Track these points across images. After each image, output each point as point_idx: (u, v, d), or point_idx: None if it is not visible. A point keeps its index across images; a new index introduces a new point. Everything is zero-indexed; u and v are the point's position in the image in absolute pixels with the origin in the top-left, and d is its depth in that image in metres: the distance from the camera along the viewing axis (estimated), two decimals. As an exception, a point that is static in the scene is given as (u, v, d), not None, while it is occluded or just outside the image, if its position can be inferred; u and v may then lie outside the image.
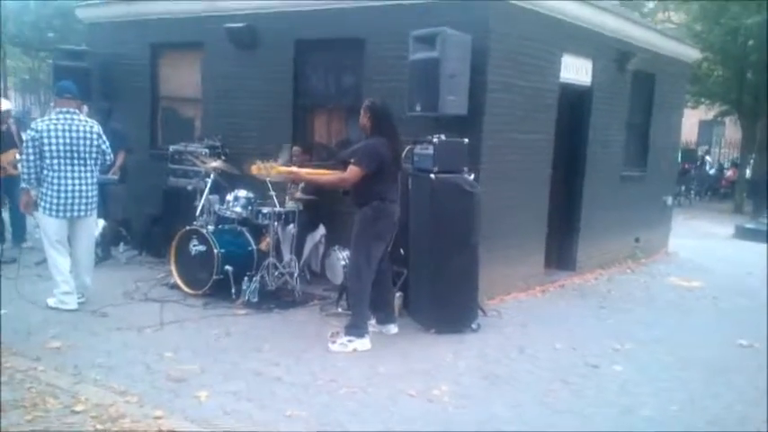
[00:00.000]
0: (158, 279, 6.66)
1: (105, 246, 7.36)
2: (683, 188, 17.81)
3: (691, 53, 10.62)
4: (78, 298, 5.72)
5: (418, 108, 5.89)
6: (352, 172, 5.04)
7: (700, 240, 11.93)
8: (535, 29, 6.75)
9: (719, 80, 18.24)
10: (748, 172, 18.33)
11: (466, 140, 5.70)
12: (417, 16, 6.25)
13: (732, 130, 24.02)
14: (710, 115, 22.09)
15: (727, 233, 13.10)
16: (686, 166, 18.99)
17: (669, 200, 10.49)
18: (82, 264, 5.81)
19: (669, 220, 10.63)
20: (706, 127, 26.08)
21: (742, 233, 12.81)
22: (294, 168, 5.62)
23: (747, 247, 11.57)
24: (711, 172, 21.70)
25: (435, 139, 5.53)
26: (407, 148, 5.70)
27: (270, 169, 5.50)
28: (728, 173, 20.96)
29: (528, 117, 6.87)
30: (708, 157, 23.03)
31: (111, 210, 7.56)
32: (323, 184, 5.68)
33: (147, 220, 7.95)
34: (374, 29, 6.66)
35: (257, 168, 5.53)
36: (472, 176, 5.69)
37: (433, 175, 5.47)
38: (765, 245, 11.49)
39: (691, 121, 20.47)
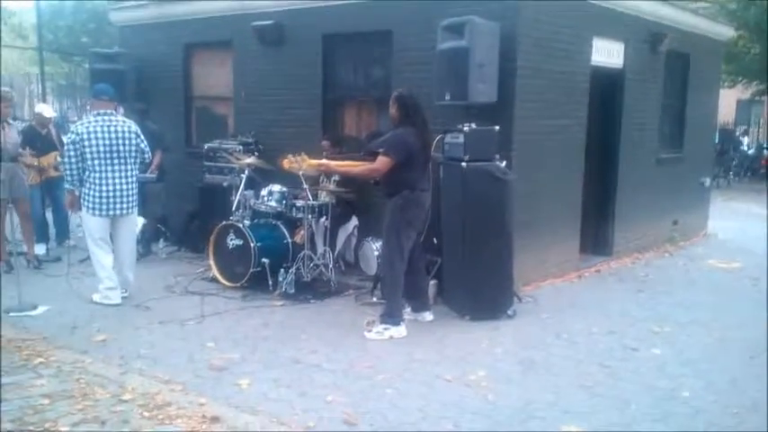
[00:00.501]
0: (198, 273, 6.82)
1: (146, 242, 7.56)
2: (721, 169, 17.42)
3: (725, 31, 10.37)
4: (122, 293, 5.91)
5: (448, 97, 5.90)
6: (382, 162, 5.09)
7: (739, 222, 11.68)
8: (564, 13, 6.68)
9: (756, 58, 17.76)
10: (789, 151, 17.85)
11: (497, 128, 5.69)
12: (444, 6, 6.24)
13: (772, 110, 23.37)
14: (748, 94, 21.53)
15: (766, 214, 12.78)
16: (724, 146, 18.57)
17: (707, 181, 10.29)
18: (124, 260, 5.98)
19: (707, 202, 10.43)
20: (744, 106, 25.41)
21: (783, 214, 12.48)
22: (324, 161, 5.69)
23: (789, 228, 11.31)
24: (750, 152, 21.16)
25: (466, 128, 5.54)
26: (438, 138, 5.72)
27: (302, 162, 5.60)
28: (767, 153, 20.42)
29: (559, 102, 6.82)
30: (745, 138, 22.45)
31: (150, 207, 7.75)
32: (354, 175, 5.73)
33: (184, 217, 8.13)
34: (401, 20, 6.68)
35: (289, 162, 5.65)
36: (504, 164, 5.69)
37: (464, 164, 5.49)
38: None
39: (728, 101, 20.02)
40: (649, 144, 8.55)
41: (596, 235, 8.04)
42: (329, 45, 7.36)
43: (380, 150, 5.15)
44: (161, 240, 7.91)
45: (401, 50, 6.73)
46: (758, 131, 22.49)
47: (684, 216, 9.47)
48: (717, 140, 13.99)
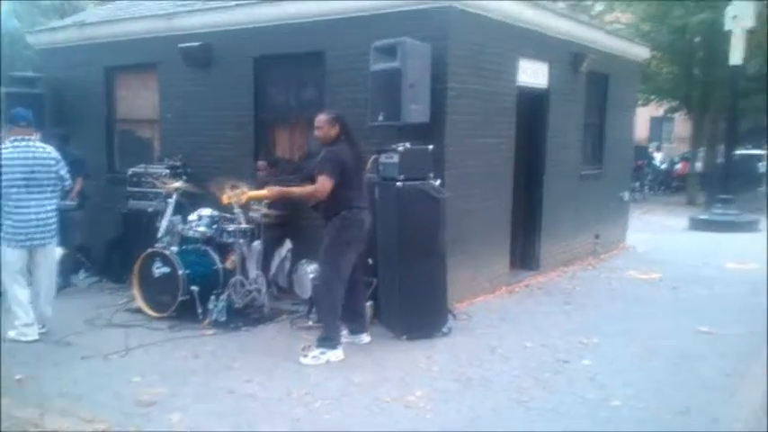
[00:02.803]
0: (121, 304, 6.54)
1: (65, 274, 7.17)
2: (637, 184, 18.24)
3: (641, 52, 10.92)
4: (39, 329, 5.58)
5: (381, 118, 5.93)
6: (322, 182, 5.02)
7: (656, 233, 12.24)
8: (491, 35, 6.86)
9: (669, 77, 18.78)
10: (699, 165, 18.89)
11: (431, 147, 5.76)
12: (376, 28, 6.31)
13: (681, 126, 24.75)
14: (660, 112, 22.71)
15: (681, 225, 13.46)
16: (639, 162, 19.49)
17: (626, 195, 10.74)
18: (42, 293, 5.66)
19: (626, 216, 10.88)
20: (656, 123, 26.85)
21: (696, 224, 13.17)
22: (269, 190, 5.44)
23: (702, 238, 11.94)
24: (663, 167, 22.30)
25: (400, 148, 5.58)
26: (372, 158, 5.73)
27: (241, 195, 5.46)
28: (679, 167, 21.57)
29: (489, 121, 6.98)
30: (658, 153, 23.67)
31: (69, 236, 7.34)
32: (298, 198, 5.59)
33: (106, 246, 7.80)
34: (333, 42, 6.70)
35: (228, 198, 5.47)
36: (438, 182, 5.76)
37: (399, 183, 5.51)
38: (719, 234, 11.89)
39: (642, 119, 21.04)
40: (572, 161, 8.86)
41: (524, 250, 8.25)
42: (261, 66, 7.29)
43: (316, 171, 5.09)
44: (81, 271, 7.58)
45: (333, 72, 6.74)
46: (670, 147, 23.72)
47: (605, 229, 9.84)
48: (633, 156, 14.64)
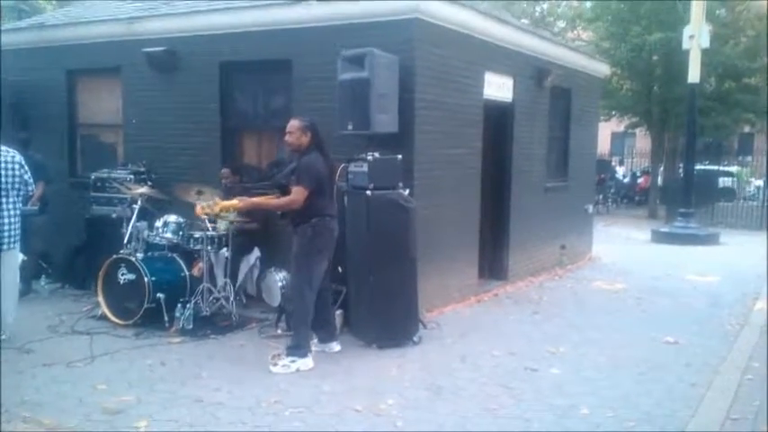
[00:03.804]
0: (84, 311, 6.40)
1: (26, 280, 6.98)
2: (600, 197, 18.62)
3: (602, 68, 11.19)
4: (0, 336, 5.41)
5: (350, 127, 5.94)
6: (299, 192, 5.00)
7: (620, 245, 12.50)
8: (457, 48, 6.95)
9: (629, 94, 19.27)
10: (660, 180, 19.36)
11: (399, 157, 5.79)
12: (343, 37, 6.33)
13: (642, 141, 25.37)
14: (621, 127, 23.26)
15: (644, 237, 13.78)
16: (602, 176, 19.89)
17: (590, 208, 10.96)
18: (4, 300, 5.49)
19: (591, 227, 11.10)
20: (618, 138, 27.47)
21: (658, 237, 13.50)
22: (241, 201, 5.40)
23: (664, 250, 12.22)
24: (626, 180, 22.81)
25: (369, 157, 5.59)
26: (342, 166, 5.73)
27: (214, 206, 5.41)
28: (641, 181, 22.09)
29: (456, 133, 7.05)
30: (621, 167, 24.21)
31: (30, 242, 7.15)
32: (273, 209, 5.57)
33: (69, 251, 7.62)
34: (301, 50, 6.69)
35: (201, 209, 5.44)
36: (407, 192, 5.78)
37: (369, 192, 5.52)
38: (680, 247, 12.19)
39: (604, 133, 21.46)
40: (537, 173, 9.00)
41: (493, 260, 8.33)
42: (227, 73, 7.24)
43: (293, 180, 5.07)
44: (42, 277, 7.39)
45: (301, 80, 6.73)
46: (631, 161, 24.29)
47: (571, 241, 10.01)
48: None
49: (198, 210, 5.46)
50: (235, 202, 5.41)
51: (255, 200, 5.46)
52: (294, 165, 5.31)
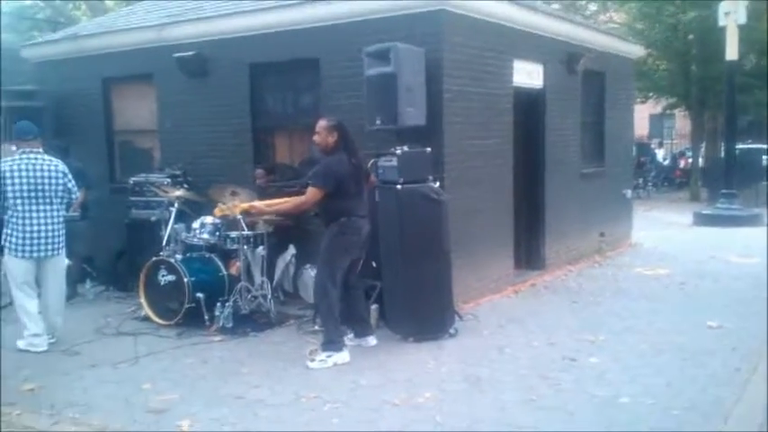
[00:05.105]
0: (128, 313, 6.57)
1: (71, 284, 7.18)
2: (640, 181, 18.25)
3: (635, 50, 10.95)
4: (48, 339, 5.61)
5: (378, 122, 5.96)
6: (311, 193, 5.12)
7: (661, 230, 12.23)
8: (485, 37, 6.89)
9: (665, 74, 18.82)
10: (701, 161, 18.88)
11: (428, 150, 5.78)
12: (369, 33, 6.34)
13: (682, 122, 24.78)
14: (659, 109, 22.74)
15: (685, 221, 13.45)
16: (641, 159, 19.48)
17: (628, 193, 10.75)
18: (52, 304, 5.70)
19: (630, 213, 10.88)
20: (656, 120, 26.86)
21: (700, 219, 13.17)
22: (255, 204, 5.65)
23: (707, 233, 11.92)
24: (666, 163, 22.31)
25: (399, 151, 5.60)
26: (371, 162, 5.75)
27: (233, 208, 5.63)
28: (681, 163, 21.57)
29: (486, 122, 6.99)
30: (660, 150, 23.68)
31: (74, 247, 7.36)
32: (285, 212, 5.78)
33: (111, 255, 7.83)
34: (327, 48, 6.72)
35: (220, 210, 5.68)
36: (437, 184, 5.77)
37: (399, 186, 5.53)
38: (723, 229, 11.89)
39: (641, 116, 21.06)
40: (572, 160, 8.87)
41: (529, 250, 8.25)
42: (256, 74, 7.32)
43: (309, 181, 5.15)
44: (87, 281, 7.58)
45: (328, 77, 6.76)
46: (671, 143, 23.73)
47: (610, 227, 9.84)
48: (635, 153, 14.67)
49: (216, 211, 5.68)
50: (254, 203, 5.63)
51: (270, 202, 5.66)
52: (318, 165, 5.38)
